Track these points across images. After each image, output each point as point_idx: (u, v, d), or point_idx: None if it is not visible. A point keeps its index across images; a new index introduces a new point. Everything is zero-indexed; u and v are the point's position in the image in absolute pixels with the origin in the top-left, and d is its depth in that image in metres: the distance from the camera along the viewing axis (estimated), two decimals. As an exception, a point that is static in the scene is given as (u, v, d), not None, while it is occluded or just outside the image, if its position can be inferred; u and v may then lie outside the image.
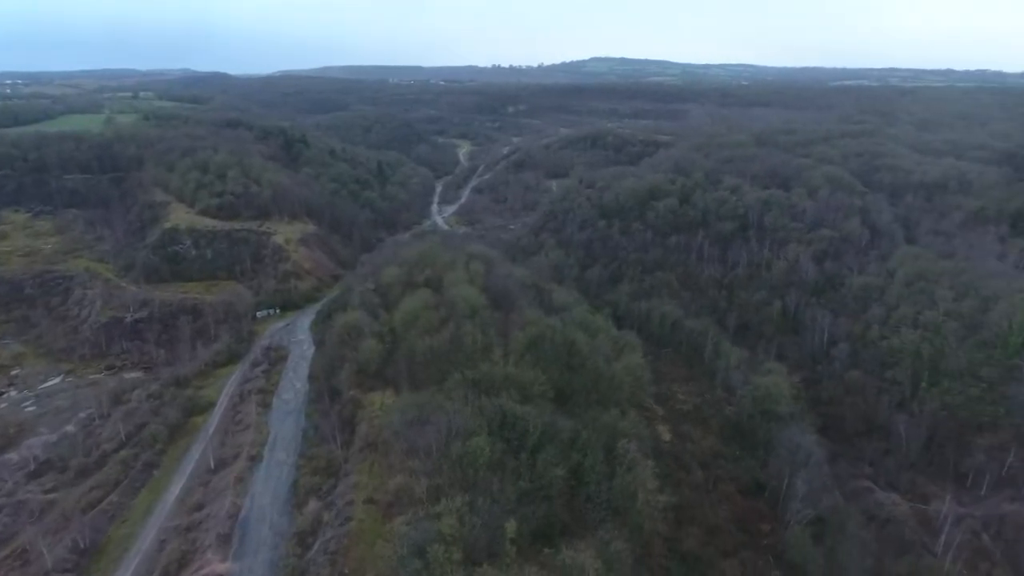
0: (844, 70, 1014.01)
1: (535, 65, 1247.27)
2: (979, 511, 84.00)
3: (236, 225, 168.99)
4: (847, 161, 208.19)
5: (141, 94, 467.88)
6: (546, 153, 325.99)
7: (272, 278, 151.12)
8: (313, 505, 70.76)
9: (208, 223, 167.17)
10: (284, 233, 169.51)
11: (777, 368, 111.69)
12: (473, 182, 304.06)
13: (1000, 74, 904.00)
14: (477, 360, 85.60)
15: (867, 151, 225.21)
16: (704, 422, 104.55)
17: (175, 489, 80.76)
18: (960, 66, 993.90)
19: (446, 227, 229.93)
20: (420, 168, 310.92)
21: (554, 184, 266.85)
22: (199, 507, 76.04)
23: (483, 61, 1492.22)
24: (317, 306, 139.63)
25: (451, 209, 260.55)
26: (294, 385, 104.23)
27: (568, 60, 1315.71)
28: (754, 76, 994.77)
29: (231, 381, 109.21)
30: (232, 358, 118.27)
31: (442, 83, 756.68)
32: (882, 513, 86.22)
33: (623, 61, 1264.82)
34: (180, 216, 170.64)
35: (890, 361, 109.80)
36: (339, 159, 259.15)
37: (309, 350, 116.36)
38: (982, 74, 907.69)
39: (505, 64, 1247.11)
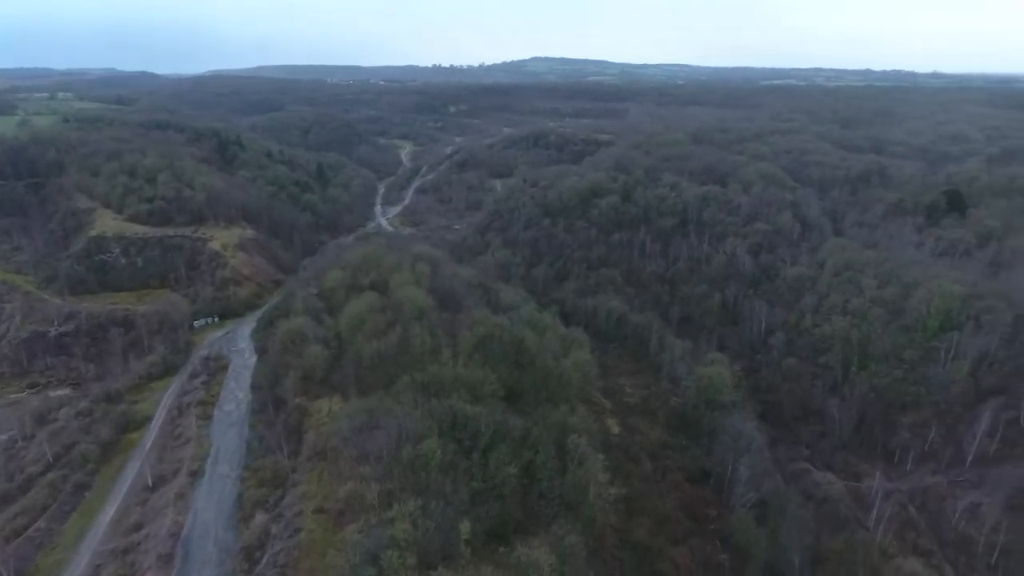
0: (773, 70, 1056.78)
1: (476, 65, 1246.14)
2: (905, 485, 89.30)
3: (169, 231, 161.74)
4: (778, 157, 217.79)
5: (60, 95, 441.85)
6: (489, 153, 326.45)
7: (209, 285, 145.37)
8: (260, 518, 68.64)
9: (138, 230, 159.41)
10: (221, 238, 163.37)
11: (719, 358, 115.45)
12: (416, 183, 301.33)
13: (912, 74, 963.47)
14: (426, 362, 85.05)
15: (796, 148, 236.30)
16: (651, 414, 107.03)
17: (110, 510, 76.69)
18: (877, 67, 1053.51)
19: (390, 229, 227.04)
20: (362, 169, 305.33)
21: (498, 183, 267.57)
22: (137, 527, 72.49)
23: (423, 61, 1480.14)
24: (258, 313, 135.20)
25: (395, 210, 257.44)
26: (236, 395, 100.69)
27: (509, 60, 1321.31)
28: (689, 76, 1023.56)
29: (168, 394, 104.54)
30: (169, 370, 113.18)
31: (382, 83, 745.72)
32: (819, 492, 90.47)
33: (563, 61, 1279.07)
34: (107, 223, 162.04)
35: (822, 347, 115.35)
36: (277, 161, 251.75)
37: (251, 359, 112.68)
38: (897, 74, 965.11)
39: (446, 64, 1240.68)
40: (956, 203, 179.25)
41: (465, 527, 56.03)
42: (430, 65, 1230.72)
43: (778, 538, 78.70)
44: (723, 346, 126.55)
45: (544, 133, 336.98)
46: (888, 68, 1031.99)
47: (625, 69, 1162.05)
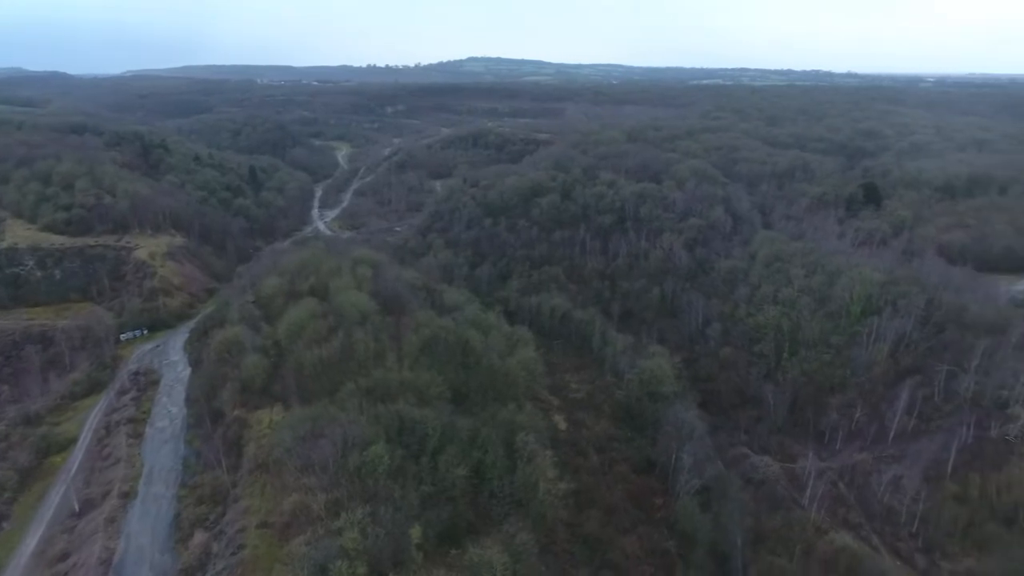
0: (702, 70, 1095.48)
1: (412, 65, 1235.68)
2: (835, 463, 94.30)
3: (89, 241, 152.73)
4: (709, 154, 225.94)
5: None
6: (428, 153, 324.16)
7: (137, 297, 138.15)
8: (200, 537, 65.84)
9: (55, 240, 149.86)
10: (148, 247, 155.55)
11: (660, 351, 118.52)
12: (355, 185, 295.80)
13: (830, 74, 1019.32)
14: (370, 367, 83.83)
15: (725, 145, 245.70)
16: (597, 408, 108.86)
17: (31, 541, 71.82)
18: (798, 67, 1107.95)
19: (329, 232, 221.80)
20: (297, 172, 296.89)
21: (438, 184, 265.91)
22: (63, 557, 68.18)
23: (358, 61, 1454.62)
24: (191, 323, 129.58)
25: (333, 213, 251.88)
26: (169, 411, 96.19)
27: (445, 60, 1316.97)
28: (623, 75, 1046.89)
29: (94, 413, 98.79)
30: (94, 388, 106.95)
31: (315, 83, 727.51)
32: (757, 475, 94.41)
33: (499, 61, 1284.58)
34: (19, 234, 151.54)
35: (756, 336, 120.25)
36: (206, 165, 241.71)
37: (185, 372, 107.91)
38: (816, 74, 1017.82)
39: (381, 64, 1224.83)
40: (872, 195, 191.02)
41: (416, 532, 55.60)
42: (365, 65, 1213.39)
43: (721, 521, 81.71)
44: (663, 339, 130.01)
45: (483, 133, 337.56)
46: (808, 68, 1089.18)
47: (561, 69, 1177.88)
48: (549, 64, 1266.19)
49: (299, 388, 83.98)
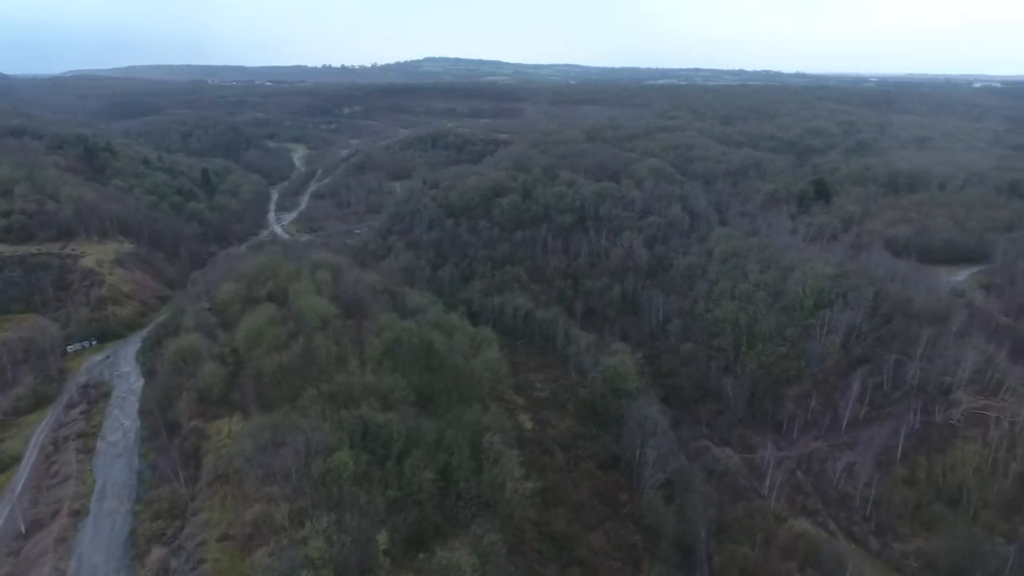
0: (657, 70, 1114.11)
1: (368, 65, 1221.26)
2: (793, 452, 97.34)
3: (31, 249, 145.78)
4: (666, 153, 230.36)
5: None
6: (387, 154, 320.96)
7: (84, 306, 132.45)
8: (157, 553, 63.65)
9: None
10: (95, 254, 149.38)
11: (622, 348, 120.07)
12: (312, 187, 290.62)
13: (780, 74, 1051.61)
14: (332, 372, 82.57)
15: (681, 144, 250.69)
16: (561, 406, 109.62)
17: (-26, 566, 68.40)
18: (749, 67, 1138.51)
19: (286, 236, 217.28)
20: (251, 175, 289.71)
21: (398, 185, 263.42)
22: (10, 581, 65.16)
23: (312, 61, 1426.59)
24: (143, 333, 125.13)
25: (290, 216, 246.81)
26: (122, 424, 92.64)
27: (402, 60, 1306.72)
28: (581, 76, 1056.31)
29: (40, 429, 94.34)
30: (40, 402, 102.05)
31: (269, 84, 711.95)
32: (719, 467, 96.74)
33: (457, 61, 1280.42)
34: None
35: (715, 331, 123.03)
36: (155, 168, 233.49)
37: (137, 383, 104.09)
38: (766, 74, 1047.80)
39: (336, 64, 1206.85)
40: (822, 192, 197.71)
41: (383, 537, 55.03)
42: (320, 65, 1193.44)
43: (685, 513, 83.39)
44: (625, 336, 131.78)
45: (442, 134, 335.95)
46: (759, 69, 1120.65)
47: (519, 69, 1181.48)
48: (507, 64, 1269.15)
49: (259, 396, 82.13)
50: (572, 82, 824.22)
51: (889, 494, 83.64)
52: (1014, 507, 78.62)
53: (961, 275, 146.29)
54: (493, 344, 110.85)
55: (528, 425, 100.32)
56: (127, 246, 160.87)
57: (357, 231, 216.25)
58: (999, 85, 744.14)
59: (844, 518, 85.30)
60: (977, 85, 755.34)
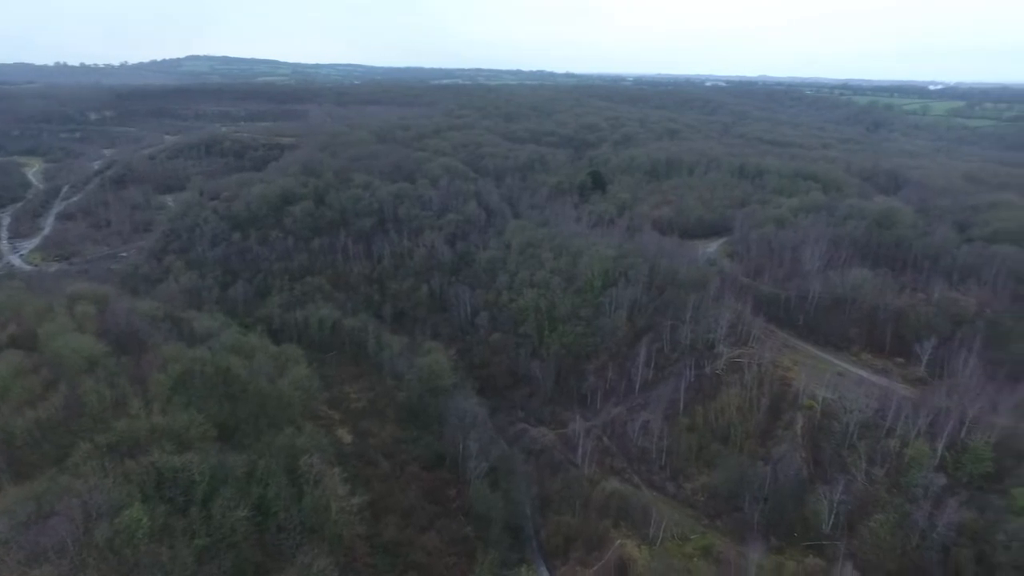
0: (441, 70, 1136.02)
1: (117, 64, 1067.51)
2: (598, 421, 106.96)
3: None
4: (457, 151, 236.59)
5: None
6: (152, 165, 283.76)
7: None
8: None
9: None
10: None
11: (435, 346, 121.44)
12: (58, 207, 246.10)
13: (552, 74, 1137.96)
14: (109, 420, 71.67)
15: (471, 142, 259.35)
16: (380, 414, 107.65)
17: None
18: (526, 67, 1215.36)
19: (28, 267, 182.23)
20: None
21: (170, 199, 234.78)
22: None
23: (43, 59, 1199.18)
24: None
25: (31, 244, 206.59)
26: None
27: (160, 59, 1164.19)
28: (364, 75, 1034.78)
29: None
30: None
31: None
32: (536, 446, 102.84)
33: (226, 60, 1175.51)
34: None
35: (520, 319, 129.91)
36: None
37: None
38: (541, 74, 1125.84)
39: (74, 62, 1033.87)
40: (598, 182, 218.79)
41: (194, 593, 49.51)
42: (52, 63, 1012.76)
43: (511, 496, 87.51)
44: (437, 334, 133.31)
45: (217, 139, 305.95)
46: (534, 68, 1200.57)
47: (298, 69, 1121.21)
48: (284, 64, 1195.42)
49: (12, 464, 68.16)
50: (356, 82, 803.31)
51: (677, 442, 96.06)
52: (767, 434, 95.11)
53: (712, 247, 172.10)
54: (300, 361, 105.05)
55: (347, 439, 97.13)
56: None
57: (123, 254, 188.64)
58: (725, 84, 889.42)
59: (645, 471, 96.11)
60: (708, 84, 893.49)
